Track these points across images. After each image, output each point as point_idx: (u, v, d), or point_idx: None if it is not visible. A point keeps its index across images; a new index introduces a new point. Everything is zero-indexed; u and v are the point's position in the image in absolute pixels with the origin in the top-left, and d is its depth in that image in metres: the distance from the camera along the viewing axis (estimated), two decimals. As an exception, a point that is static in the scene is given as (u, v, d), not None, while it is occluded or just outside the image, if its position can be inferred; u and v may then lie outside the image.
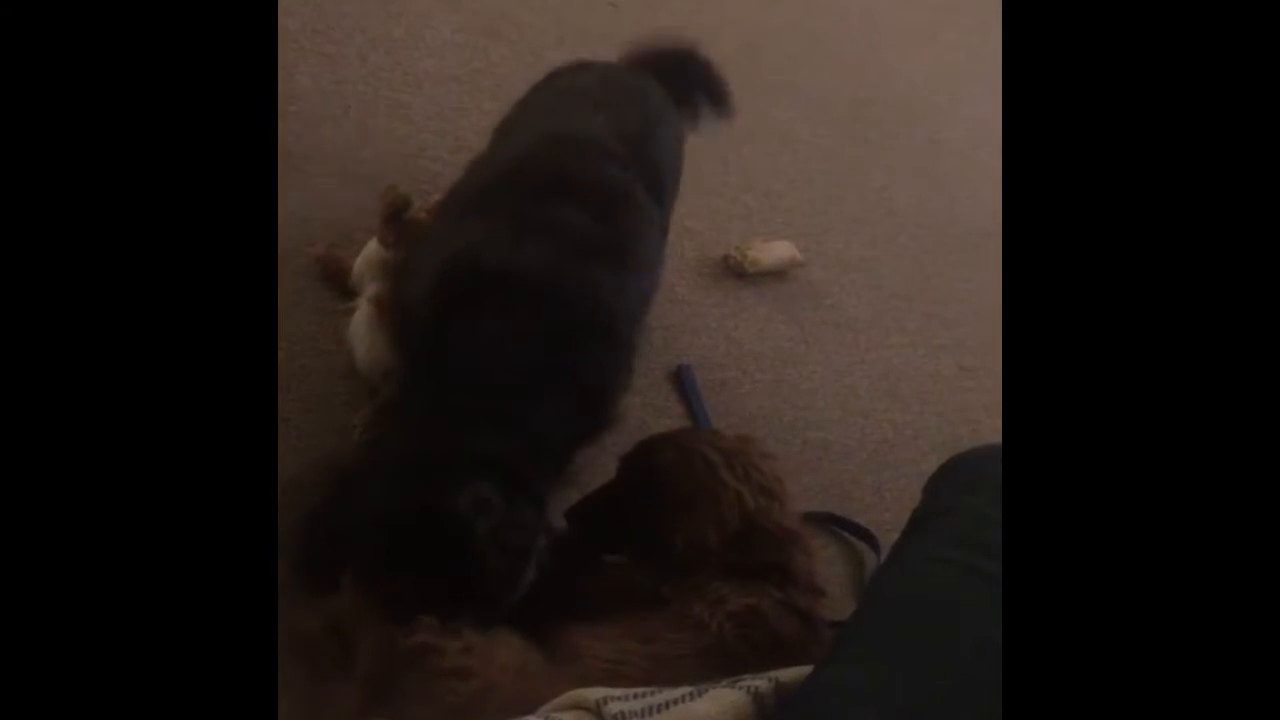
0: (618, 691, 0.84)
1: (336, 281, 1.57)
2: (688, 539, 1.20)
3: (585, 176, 1.33)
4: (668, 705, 0.84)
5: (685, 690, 0.86)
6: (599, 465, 1.39)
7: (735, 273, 1.98)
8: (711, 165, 2.13)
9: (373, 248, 1.52)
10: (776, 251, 2.01)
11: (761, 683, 0.87)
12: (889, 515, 1.73)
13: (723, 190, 2.13)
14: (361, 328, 1.46)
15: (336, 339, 1.51)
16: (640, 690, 0.85)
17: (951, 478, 1.05)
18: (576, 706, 0.84)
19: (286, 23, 1.90)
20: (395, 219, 1.48)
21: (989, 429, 2.00)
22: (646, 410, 1.69)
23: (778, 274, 2.02)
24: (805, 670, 0.89)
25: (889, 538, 1.57)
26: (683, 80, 1.66)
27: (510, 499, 1.16)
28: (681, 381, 1.77)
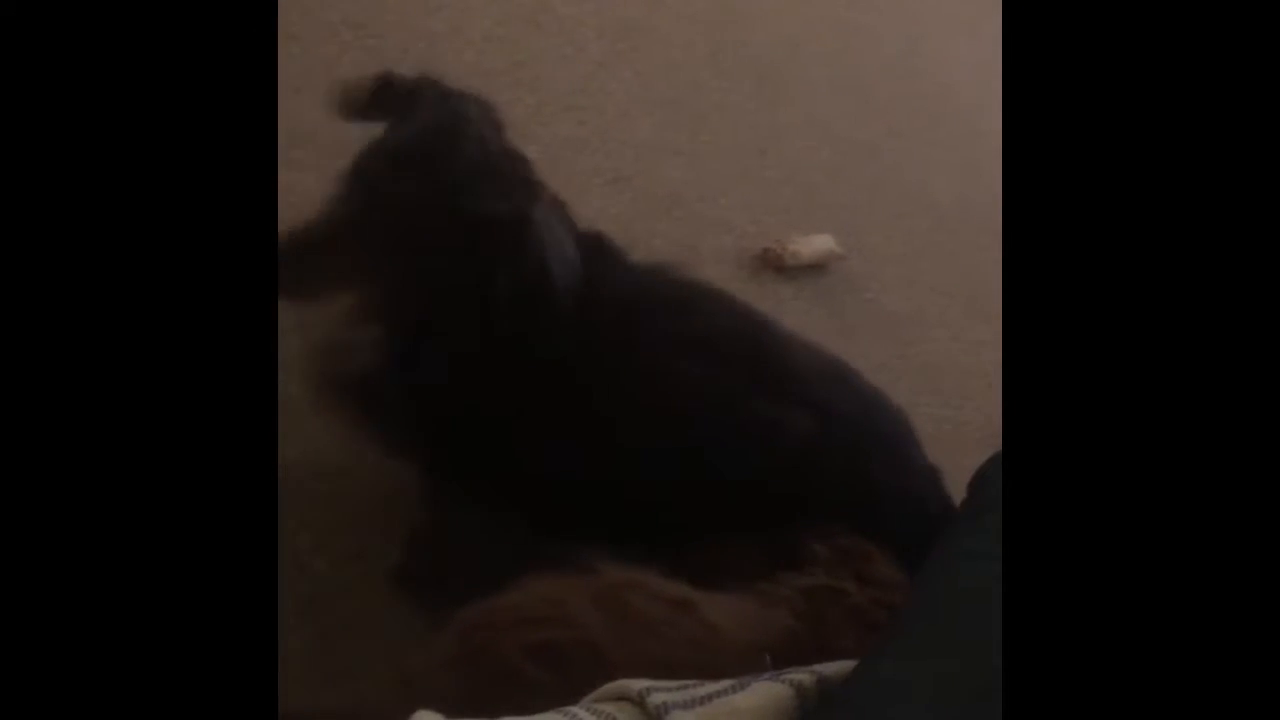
0: (661, 682, 0.84)
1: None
2: None
3: None
4: (710, 697, 0.84)
5: (728, 682, 0.86)
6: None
7: (774, 266, 1.97)
8: (751, 158, 2.12)
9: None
10: (816, 245, 2.01)
11: (804, 676, 0.86)
12: (928, 510, 1.72)
13: (762, 183, 2.12)
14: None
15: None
16: (683, 682, 0.85)
17: (995, 473, 1.04)
18: (619, 697, 0.84)
19: (328, 15, 1.91)
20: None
21: (1030, 425, 1.97)
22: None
23: (817, 267, 2.01)
24: (848, 665, 0.89)
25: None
26: None
27: None
28: (720, 375, 1.76)
